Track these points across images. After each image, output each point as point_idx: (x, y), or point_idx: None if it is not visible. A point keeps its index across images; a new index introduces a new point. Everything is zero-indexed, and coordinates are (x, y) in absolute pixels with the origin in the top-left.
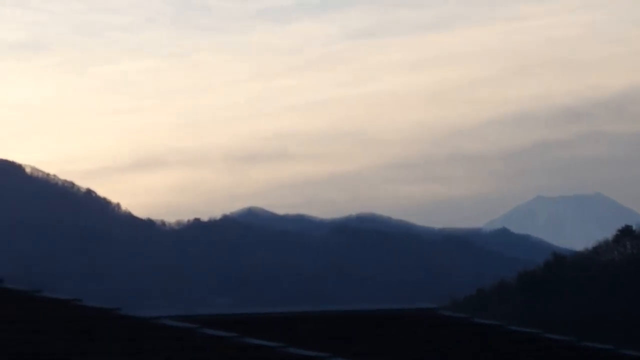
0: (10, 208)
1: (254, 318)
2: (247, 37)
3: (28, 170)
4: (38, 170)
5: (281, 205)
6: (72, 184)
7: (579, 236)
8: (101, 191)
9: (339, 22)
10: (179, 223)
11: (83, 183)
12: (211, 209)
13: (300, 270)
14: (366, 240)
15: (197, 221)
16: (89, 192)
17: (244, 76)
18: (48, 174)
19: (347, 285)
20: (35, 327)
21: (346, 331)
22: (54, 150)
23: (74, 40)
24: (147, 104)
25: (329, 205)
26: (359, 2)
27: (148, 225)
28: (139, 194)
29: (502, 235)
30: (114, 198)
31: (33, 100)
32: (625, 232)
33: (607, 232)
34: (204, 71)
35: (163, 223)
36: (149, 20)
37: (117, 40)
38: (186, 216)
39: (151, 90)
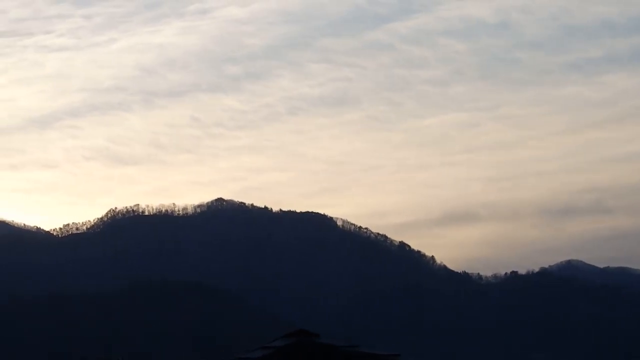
0: (322, 260)
1: None
2: (558, 90)
3: (339, 223)
4: (349, 224)
5: (601, 258)
6: (385, 237)
7: None
8: (414, 244)
9: None
10: (495, 276)
11: (396, 236)
12: (527, 263)
13: (624, 325)
14: None
15: (514, 274)
16: (403, 245)
17: (556, 129)
18: (359, 227)
19: None
20: None
21: None
22: (364, 204)
23: (382, 95)
24: (457, 157)
25: None
26: None
27: (464, 279)
28: (452, 247)
29: None
30: (427, 251)
31: (341, 155)
32: None
33: None
34: (514, 125)
35: (479, 276)
36: (458, 73)
37: (426, 95)
38: (502, 269)
39: (460, 144)
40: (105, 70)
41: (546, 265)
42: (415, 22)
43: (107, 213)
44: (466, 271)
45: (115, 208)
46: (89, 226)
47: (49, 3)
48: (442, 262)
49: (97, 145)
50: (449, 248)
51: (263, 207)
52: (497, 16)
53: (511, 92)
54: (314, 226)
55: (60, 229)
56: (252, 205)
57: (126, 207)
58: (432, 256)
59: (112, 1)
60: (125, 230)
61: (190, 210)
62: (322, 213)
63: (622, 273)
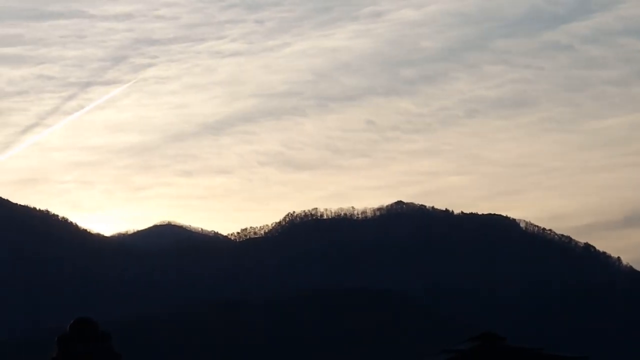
0: (505, 262)
1: None
2: None
3: (522, 225)
4: (533, 226)
5: None
6: (570, 239)
7: None
8: (599, 245)
9: None
10: None
11: (580, 238)
12: None
13: None
14: None
15: None
16: (588, 246)
17: None
18: (543, 229)
19: None
20: None
21: None
22: (545, 206)
23: (561, 96)
24: (639, 158)
25: None
26: None
27: None
28: (637, 249)
29: None
30: (613, 252)
31: (520, 157)
32: None
33: None
34: None
35: None
36: (639, 73)
37: (606, 95)
38: None
39: None
40: (278, 75)
41: None
42: (595, 22)
43: (284, 217)
44: None
45: (293, 212)
46: (266, 230)
47: (221, 8)
48: (628, 264)
49: (271, 151)
50: (634, 249)
51: (444, 209)
52: None
53: None
54: (496, 228)
55: (238, 233)
56: (432, 208)
57: (304, 211)
58: (618, 257)
59: (284, 5)
60: (303, 234)
61: (369, 214)
62: (505, 215)
63: None
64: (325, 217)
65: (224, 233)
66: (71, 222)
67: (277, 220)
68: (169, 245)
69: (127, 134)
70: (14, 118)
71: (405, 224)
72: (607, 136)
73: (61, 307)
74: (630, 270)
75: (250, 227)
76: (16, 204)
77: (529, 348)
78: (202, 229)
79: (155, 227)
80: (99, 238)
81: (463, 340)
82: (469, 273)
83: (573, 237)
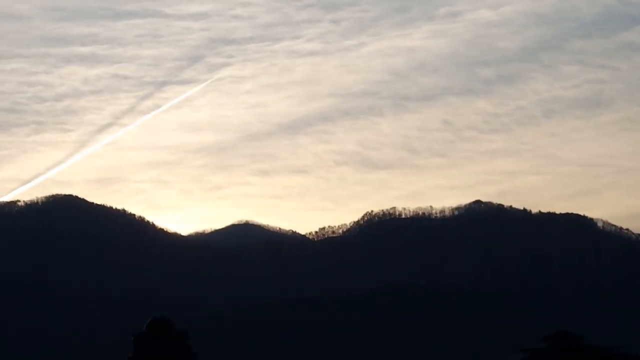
0: (583, 261)
1: None
2: None
3: (599, 224)
4: (610, 225)
5: None
6: None
7: None
8: None
9: None
10: None
11: None
12: None
13: None
14: None
15: None
16: None
17: None
18: (621, 229)
19: None
20: None
21: None
22: (622, 205)
23: (637, 96)
24: None
25: None
26: None
27: None
28: None
29: None
30: None
31: (597, 157)
32: None
33: None
34: None
35: None
36: None
37: None
38: None
39: None
40: (355, 75)
41: None
42: None
43: (363, 216)
44: None
45: (372, 212)
46: (344, 230)
47: (298, 8)
48: None
49: (348, 150)
50: None
51: (522, 209)
52: None
53: None
54: (574, 228)
55: (316, 232)
56: (510, 207)
57: (382, 210)
58: None
59: (361, 5)
60: (383, 233)
61: (447, 213)
62: (582, 214)
63: None
64: (403, 216)
65: (302, 232)
66: (148, 222)
67: (356, 220)
68: (247, 245)
69: (203, 134)
70: (89, 117)
71: (484, 224)
72: None
73: (138, 307)
74: None
75: (329, 227)
76: (92, 203)
77: (606, 347)
78: (279, 229)
79: (233, 226)
80: (176, 237)
81: (539, 338)
82: (546, 272)
83: None
